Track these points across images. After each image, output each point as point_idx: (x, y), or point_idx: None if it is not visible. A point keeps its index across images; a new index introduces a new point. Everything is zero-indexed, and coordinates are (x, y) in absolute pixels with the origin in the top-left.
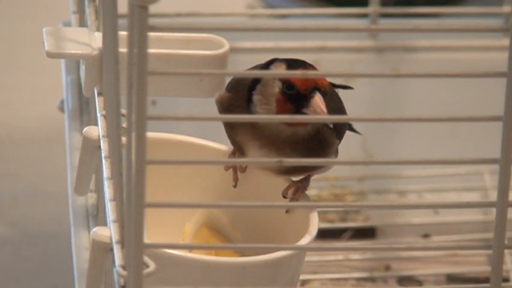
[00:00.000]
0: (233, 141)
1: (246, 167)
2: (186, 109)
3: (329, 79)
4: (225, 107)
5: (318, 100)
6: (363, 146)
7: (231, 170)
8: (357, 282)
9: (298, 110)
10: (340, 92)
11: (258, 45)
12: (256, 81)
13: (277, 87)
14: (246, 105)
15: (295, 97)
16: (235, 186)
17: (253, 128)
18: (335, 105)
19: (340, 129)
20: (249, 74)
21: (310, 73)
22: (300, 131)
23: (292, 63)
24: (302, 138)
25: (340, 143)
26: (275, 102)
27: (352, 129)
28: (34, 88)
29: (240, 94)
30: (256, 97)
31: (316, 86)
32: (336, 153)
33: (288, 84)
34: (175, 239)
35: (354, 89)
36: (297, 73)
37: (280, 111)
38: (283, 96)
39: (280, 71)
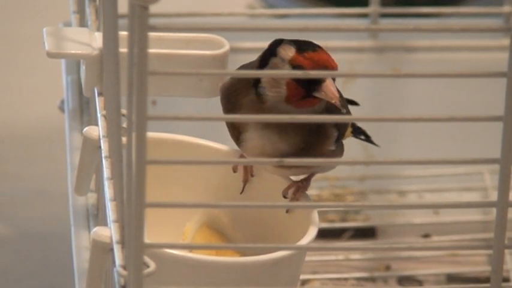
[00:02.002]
0: (231, 126)
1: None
2: (186, 109)
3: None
4: (229, 92)
5: (329, 84)
6: (363, 146)
7: (236, 170)
8: (357, 282)
9: (308, 94)
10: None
11: (258, 45)
12: (263, 64)
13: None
14: (253, 88)
15: (305, 81)
16: (243, 186)
17: (259, 108)
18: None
19: (339, 124)
20: (249, 73)
21: (311, 73)
22: (306, 112)
23: (301, 45)
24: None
25: (341, 137)
26: (285, 85)
27: (370, 141)
28: (34, 88)
29: (244, 78)
30: (264, 80)
31: (326, 68)
32: (341, 152)
33: (297, 67)
34: (175, 239)
35: (357, 100)
36: (298, 73)
37: (290, 94)
38: (294, 79)
39: (283, 71)
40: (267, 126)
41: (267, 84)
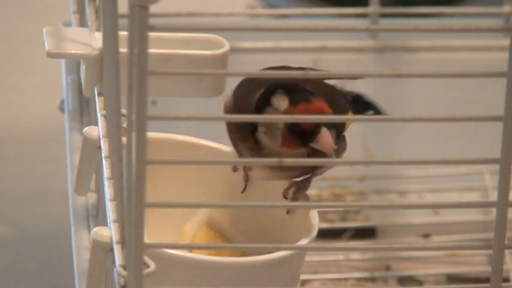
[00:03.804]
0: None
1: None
2: (186, 109)
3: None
4: (231, 123)
5: (325, 135)
6: (363, 146)
7: (237, 170)
8: (357, 282)
9: (305, 144)
10: None
11: (258, 45)
12: (260, 108)
13: (281, 123)
14: (251, 131)
15: (300, 133)
16: (245, 186)
17: (258, 152)
18: (334, 102)
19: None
20: (249, 74)
21: (311, 73)
22: (300, 151)
23: (294, 96)
24: (303, 154)
25: (341, 133)
26: (281, 137)
27: (377, 111)
28: (34, 88)
29: (243, 107)
30: (261, 128)
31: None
32: (344, 149)
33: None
34: (175, 239)
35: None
36: (298, 73)
37: (285, 145)
38: (289, 132)
39: (281, 72)
40: (267, 167)
41: (263, 133)
